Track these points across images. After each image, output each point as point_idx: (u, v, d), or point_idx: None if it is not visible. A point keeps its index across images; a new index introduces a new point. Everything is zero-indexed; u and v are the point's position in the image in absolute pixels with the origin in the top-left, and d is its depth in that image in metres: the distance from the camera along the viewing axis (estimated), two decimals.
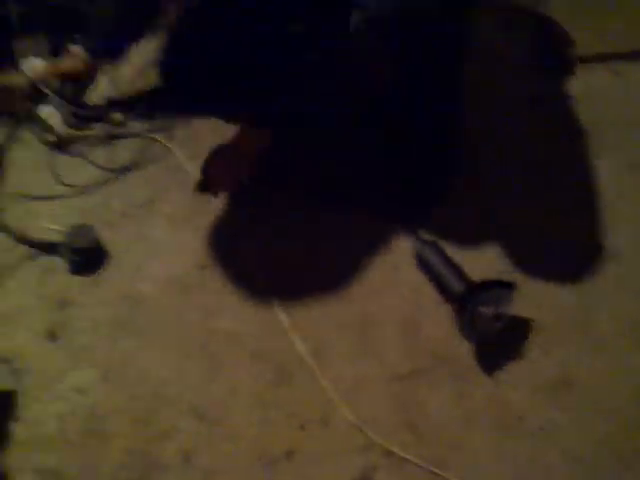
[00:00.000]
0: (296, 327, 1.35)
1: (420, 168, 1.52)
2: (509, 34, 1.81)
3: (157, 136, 1.63)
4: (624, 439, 1.24)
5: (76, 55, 1.56)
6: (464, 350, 1.33)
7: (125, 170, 1.59)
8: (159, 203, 1.53)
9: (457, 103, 1.51)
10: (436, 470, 1.21)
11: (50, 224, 1.46)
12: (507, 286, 1.33)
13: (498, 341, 1.32)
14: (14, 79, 1.64)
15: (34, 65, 1.62)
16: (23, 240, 1.46)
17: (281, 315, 1.37)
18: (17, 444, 1.22)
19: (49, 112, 1.59)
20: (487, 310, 1.31)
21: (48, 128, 1.60)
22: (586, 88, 1.73)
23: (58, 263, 1.43)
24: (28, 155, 1.59)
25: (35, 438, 1.23)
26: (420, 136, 1.50)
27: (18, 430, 1.24)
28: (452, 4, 1.28)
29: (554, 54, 1.81)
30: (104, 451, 1.22)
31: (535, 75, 1.75)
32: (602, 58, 1.80)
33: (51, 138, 1.60)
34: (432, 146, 1.50)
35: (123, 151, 1.61)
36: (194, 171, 1.52)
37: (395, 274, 1.44)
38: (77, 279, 1.42)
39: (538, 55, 1.79)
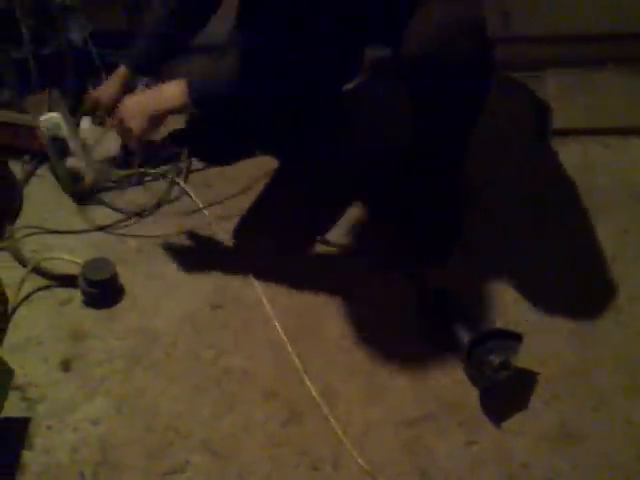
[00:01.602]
0: (308, 369, 1.38)
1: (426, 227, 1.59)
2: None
3: (176, 179, 1.69)
4: None
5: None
6: (471, 398, 1.36)
7: (142, 212, 1.63)
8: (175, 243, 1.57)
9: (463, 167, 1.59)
10: None
11: (67, 256, 1.48)
12: (514, 337, 1.37)
13: (504, 390, 1.36)
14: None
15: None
16: (39, 271, 1.47)
17: (294, 357, 1.39)
18: (29, 473, 1.22)
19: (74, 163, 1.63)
20: (494, 358, 1.35)
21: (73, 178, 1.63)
22: (580, 158, 1.83)
23: (74, 295, 1.45)
24: (45, 189, 1.63)
25: (47, 467, 1.23)
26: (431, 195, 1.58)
27: (30, 458, 1.23)
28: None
29: (548, 126, 1.93)
30: None
31: (537, 143, 1.86)
32: (592, 132, 1.93)
33: (77, 188, 1.64)
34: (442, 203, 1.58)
35: (141, 194, 1.67)
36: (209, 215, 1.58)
37: (402, 321, 1.47)
38: (92, 312, 1.44)
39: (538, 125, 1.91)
